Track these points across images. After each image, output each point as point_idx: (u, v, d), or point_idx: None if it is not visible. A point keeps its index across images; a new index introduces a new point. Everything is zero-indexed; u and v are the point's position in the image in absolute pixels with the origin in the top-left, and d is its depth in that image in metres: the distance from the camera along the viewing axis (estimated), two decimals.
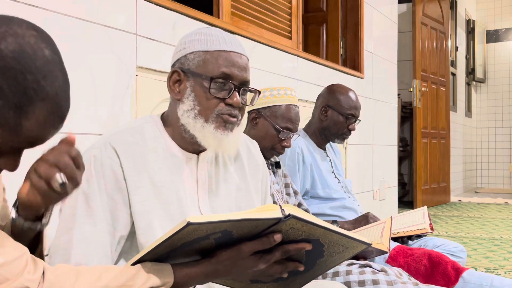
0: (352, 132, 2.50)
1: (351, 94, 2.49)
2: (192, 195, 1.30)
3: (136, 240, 1.22)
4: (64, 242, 1.17)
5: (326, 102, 2.48)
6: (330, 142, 2.58)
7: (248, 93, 1.30)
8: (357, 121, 2.49)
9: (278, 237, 1.01)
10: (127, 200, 1.21)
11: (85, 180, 1.18)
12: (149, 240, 1.20)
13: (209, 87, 1.23)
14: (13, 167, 0.86)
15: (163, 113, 1.35)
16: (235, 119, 1.27)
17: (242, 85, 1.26)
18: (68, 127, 1.67)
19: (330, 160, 2.54)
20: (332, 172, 2.51)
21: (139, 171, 1.23)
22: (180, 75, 1.27)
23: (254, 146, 1.50)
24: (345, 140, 2.55)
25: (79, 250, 1.14)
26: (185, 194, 1.27)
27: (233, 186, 1.39)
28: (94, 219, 1.17)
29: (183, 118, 1.26)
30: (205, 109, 1.25)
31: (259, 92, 1.33)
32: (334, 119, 2.46)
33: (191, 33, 1.30)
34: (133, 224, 1.22)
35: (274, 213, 0.98)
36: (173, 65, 1.30)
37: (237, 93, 1.25)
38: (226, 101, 1.24)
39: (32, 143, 0.85)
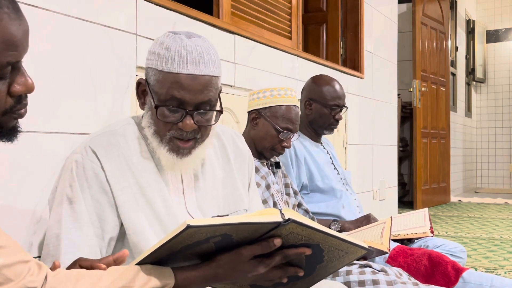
0: (339, 121, 2.47)
1: (333, 84, 2.46)
2: (178, 195, 1.30)
3: (128, 240, 1.22)
4: (53, 249, 1.18)
5: (309, 95, 2.47)
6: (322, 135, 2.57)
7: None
8: (343, 109, 2.47)
9: (278, 242, 1.00)
10: (113, 202, 1.21)
11: (68, 186, 1.20)
12: (140, 239, 1.20)
13: (156, 113, 1.21)
14: (26, 84, 0.90)
15: (143, 114, 1.33)
16: (189, 143, 1.24)
17: (197, 108, 1.21)
18: (68, 127, 1.67)
19: (328, 152, 2.54)
20: (332, 163, 2.51)
21: (123, 172, 1.23)
22: (145, 86, 1.26)
23: (240, 139, 1.50)
24: (334, 130, 2.52)
25: (69, 255, 1.15)
26: (169, 194, 1.27)
27: (220, 184, 1.39)
28: (80, 223, 1.18)
29: (145, 130, 1.27)
30: (159, 130, 1.24)
31: (221, 112, 1.27)
32: (319, 112, 2.44)
33: (158, 40, 1.25)
34: (122, 225, 1.22)
35: (273, 217, 0.97)
36: (146, 69, 1.27)
37: (189, 117, 1.20)
38: (178, 125, 1.22)
39: (9, 47, 0.85)
